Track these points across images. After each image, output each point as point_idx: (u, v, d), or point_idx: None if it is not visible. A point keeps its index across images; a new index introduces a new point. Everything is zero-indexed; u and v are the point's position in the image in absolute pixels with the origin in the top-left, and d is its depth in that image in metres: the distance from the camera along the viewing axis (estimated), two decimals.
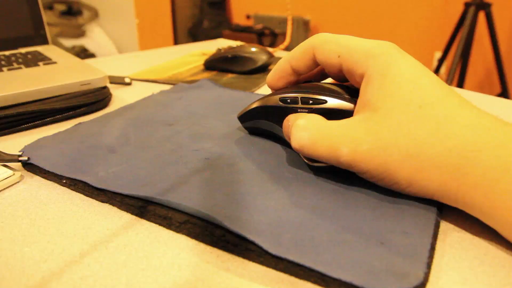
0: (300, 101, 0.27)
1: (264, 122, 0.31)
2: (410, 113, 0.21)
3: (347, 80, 0.27)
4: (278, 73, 0.29)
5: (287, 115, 0.29)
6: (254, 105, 0.31)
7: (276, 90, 0.30)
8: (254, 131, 0.33)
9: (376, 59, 0.23)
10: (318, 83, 0.28)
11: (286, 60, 0.28)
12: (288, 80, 0.29)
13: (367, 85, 0.23)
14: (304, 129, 0.24)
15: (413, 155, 0.21)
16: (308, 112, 0.27)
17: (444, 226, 0.22)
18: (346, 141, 0.22)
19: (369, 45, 0.24)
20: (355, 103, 0.25)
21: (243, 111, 0.33)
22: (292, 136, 0.25)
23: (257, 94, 0.46)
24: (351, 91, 0.27)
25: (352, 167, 0.23)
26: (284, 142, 0.31)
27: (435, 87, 0.22)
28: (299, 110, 0.27)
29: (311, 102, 0.27)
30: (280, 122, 0.30)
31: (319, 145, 0.23)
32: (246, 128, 0.34)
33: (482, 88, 1.92)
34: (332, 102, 0.26)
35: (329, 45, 0.25)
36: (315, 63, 0.27)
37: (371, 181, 0.24)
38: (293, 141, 0.25)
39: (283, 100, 0.28)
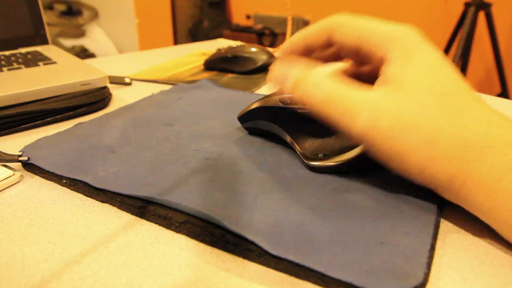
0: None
1: (264, 123, 0.31)
2: (433, 100, 0.21)
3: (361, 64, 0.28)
4: (289, 49, 0.28)
5: (287, 115, 0.29)
6: (254, 106, 0.31)
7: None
8: (253, 132, 0.33)
9: (398, 42, 0.22)
10: None
11: (301, 36, 0.27)
12: (301, 56, 0.28)
13: (389, 64, 0.22)
14: (317, 86, 0.23)
15: (431, 141, 0.20)
16: (308, 113, 0.27)
17: (444, 226, 0.22)
18: (366, 109, 0.21)
19: (390, 27, 0.23)
20: None
21: (243, 112, 0.33)
22: (300, 90, 0.23)
23: (257, 94, 0.46)
24: None
25: (363, 139, 0.22)
26: (284, 143, 0.31)
27: (456, 78, 0.22)
28: (299, 111, 0.27)
29: None
30: (280, 123, 0.30)
31: (333, 104, 0.22)
32: (246, 128, 0.34)
33: (482, 88, 1.92)
34: None
35: (348, 27, 0.24)
36: (329, 44, 0.26)
37: (375, 161, 0.23)
38: (303, 97, 0.23)
39: (283, 100, 0.28)
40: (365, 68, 0.29)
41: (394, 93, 0.21)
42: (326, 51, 0.29)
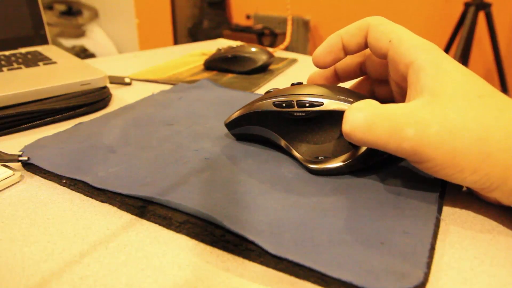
0: (296, 105, 0.27)
1: (257, 128, 0.30)
2: (472, 101, 0.21)
3: (381, 77, 0.29)
4: (328, 47, 0.28)
5: (282, 119, 0.28)
6: (244, 111, 0.30)
7: (264, 95, 0.30)
8: (241, 138, 0.32)
9: (427, 52, 0.23)
10: (311, 84, 0.28)
11: (338, 35, 0.27)
12: (338, 56, 0.28)
13: (419, 72, 0.23)
14: (359, 110, 0.23)
15: (482, 138, 0.20)
16: (304, 116, 0.27)
17: (444, 226, 0.22)
18: (411, 122, 0.21)
19: (419, 40, 0.24)
20: (351, 103, 0.25)
21: (231, 118, 0.32)
22: (344, 119, 0.23)
23: (257, 94, 0.46)
24: (345, 92, 0.27)
25: (417, 153, 0.21)
26: (278, 147, 0.30)
27: (484, 82, 0.22)
28: (295, 114, 0.27)
29: (307, 105, 0.26)
30: (274, 128, 0.29)
31: (377, 126, 0.22)
32: (234, 135, 0.32)
33: None
34: (329, 104, 0.26)
35: (384, 28, 0.25)
36: (365, 44, 0.27)
37: (426, 172, 0.22)
38: (345, 124, 0.23)
39: (277, 104, 0.28)
40: (381, 90, 0.30)
41: (434, 101, 0.21)
42: (356, 60, 0.30)
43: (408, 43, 0.24)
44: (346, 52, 0.28)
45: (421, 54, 0.23)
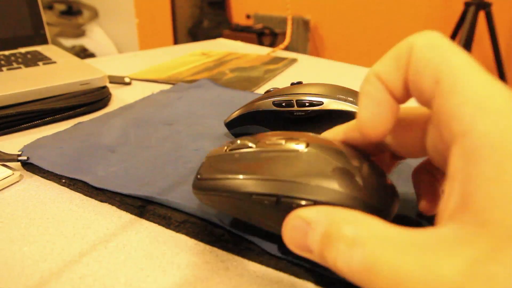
0: (295, 104, 0.27)
1: (256, 128, 0.30)
2: None
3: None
4: (372, 106, 0.16)
5: (281, 118, 0.28)
6: (244, 111, 0.30)
7: (264, 94, 0.29)
8: None
9: (498, 115, 0.12)
10: (311, 84, 0.28)
11: (376, 78, 0.16)
12: (390, 112, 0.16)
13: (474, 164, 0.12)
14: (355, 243, 0.13)
15: None
16: (304, 116, 0.27)
17: None
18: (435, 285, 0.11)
19: (488, 85, 0.13)
20: (351, 103, 0.25)
21: (231, 117, 0.32)
22: (329, 253, 0.14)
23: (257, 93, 0.46)
24: (345, 91, 0.26)
25: None
26: None
27: None
28: (295, 114, 0.27)
29: (307, 104, 0.26)
30: (274, 127, 0.29)
31: (379, 273, 0.12)
32: (233, 134, 0.33)
33: None
34: (329, 103, 0.26)
35: (432, 56, 0.14)
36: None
37: None
38: (336, 262, 0.13)
39: (277, 104, 0.28)
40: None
41: (481, 243, 0.11)
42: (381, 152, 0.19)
43: (466, 91, 0.13)
44: (397, 99, 0.16)
45: (485, 120, 0.12)
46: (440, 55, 0.14)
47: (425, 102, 0.15)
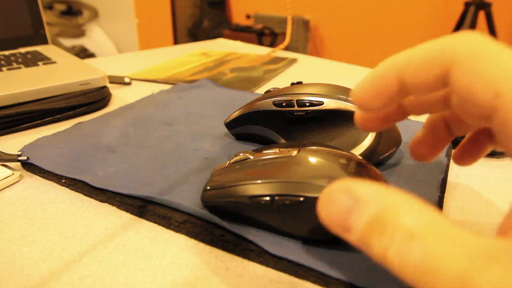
0: (296, 104, 0.27)
1: (257, 128, 0.30)
2: None
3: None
4: (376, 85, 0.16)
5: (281, 119, 0.28)
6: (244, 111, 0.30)
7: (264, 94, 0.29)
8: (241, 137, 0.32)
9: None
10: (311, 84, 0.28)
11: (393, 68, 0.16)
12: (389, 100, 0.16)
13: None
14: (414, 236, 0.12)
15: None
16: (304, 116, 0.27)
17: None
18: None
19: None
20: (352, 103, 0.25)
21: (231, 117, 0.32)
22: (379, 241, 0.12)
23: (257, 93, 0.46)
24: (346, 91, 0.26)
25: None
26: None
27: None
28: (295, 114, 0.27)
29: (307, 104, 0.26)
30: (274, 127, 0.29)
31: (444, 276, 0.11)
32: (233, 134, 0.33)
33: None
34: (329, 103, 0.26)
35: (486, 68, 0.13)
36: (441, 85, 0.15)
37: None
38: (386, 252, 0.12)
39: (277, 104, 0.28)
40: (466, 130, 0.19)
41: None
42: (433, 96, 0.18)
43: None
44: (407, 93, 0.16)
45: None
46: (494, 65, 0.13)
47: (480, 115, 0.14)
